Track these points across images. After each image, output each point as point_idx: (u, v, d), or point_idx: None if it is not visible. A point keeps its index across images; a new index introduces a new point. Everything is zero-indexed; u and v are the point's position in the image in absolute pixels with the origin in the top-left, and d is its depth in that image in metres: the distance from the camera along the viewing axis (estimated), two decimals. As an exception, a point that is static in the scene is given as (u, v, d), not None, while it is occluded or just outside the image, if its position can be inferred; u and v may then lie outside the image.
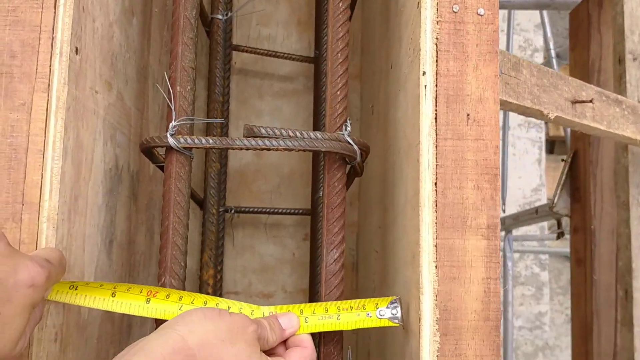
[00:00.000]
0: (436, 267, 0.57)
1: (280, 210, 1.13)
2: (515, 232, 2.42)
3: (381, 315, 0.61)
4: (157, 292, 0.59)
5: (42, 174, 0.56)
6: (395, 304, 0.61)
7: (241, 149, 0.64)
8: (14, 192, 0.55)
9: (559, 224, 1.68)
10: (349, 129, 0.65)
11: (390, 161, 0.76)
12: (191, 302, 0.58)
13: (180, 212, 0.65)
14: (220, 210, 1.06)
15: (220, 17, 1.07)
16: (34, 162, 0.56)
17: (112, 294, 0.58)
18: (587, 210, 1.44)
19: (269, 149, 0.63)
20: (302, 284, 1.19)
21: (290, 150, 0.64)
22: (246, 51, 1.14)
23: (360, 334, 0.98)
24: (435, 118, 0.58)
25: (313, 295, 1.07)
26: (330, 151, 0.64)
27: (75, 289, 0.57)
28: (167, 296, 0.59)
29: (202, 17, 1.05)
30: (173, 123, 0.64)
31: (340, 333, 0.64)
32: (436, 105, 0.58)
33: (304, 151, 0.64)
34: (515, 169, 3.39)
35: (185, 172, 0.66)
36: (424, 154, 0.58)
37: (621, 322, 1.30)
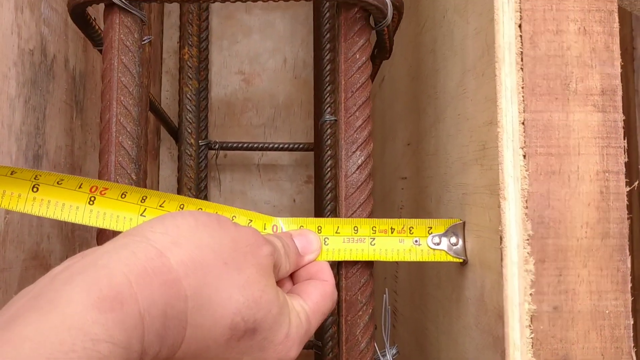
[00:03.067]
0: (524, 156, 0.36)
1: (276, 146, 0.92)
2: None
3: (435, 245, 0.41)
4: (106, 189, 0.38)
5: None
6: (456, 231, 0.41)
7: (215, 0, 0.42)
8: None
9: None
10: (375, -33, 0.44)
11: (428, 38, 0.55)
12: (159, 206, 0.38)
13: (128, 99, 0.44)
14: (201, 144, 0.85)
15: None
16: None
17: (33, 187, 0.38)
18: (632, 156, 1.23)
19: (256, -2, 0.42)
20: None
21: (289, -2, 0.42)
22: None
23: (389, 268, 0.77)
24: None
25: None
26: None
27: None
28: (123, 195, 0.38)
29: None
30: (111, -37, 0.43)
31: (370, 270, 0.44)
32: None
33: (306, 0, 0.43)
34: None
35: (134, 41, 0.44)
36: (500, -21, 0.37)
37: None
